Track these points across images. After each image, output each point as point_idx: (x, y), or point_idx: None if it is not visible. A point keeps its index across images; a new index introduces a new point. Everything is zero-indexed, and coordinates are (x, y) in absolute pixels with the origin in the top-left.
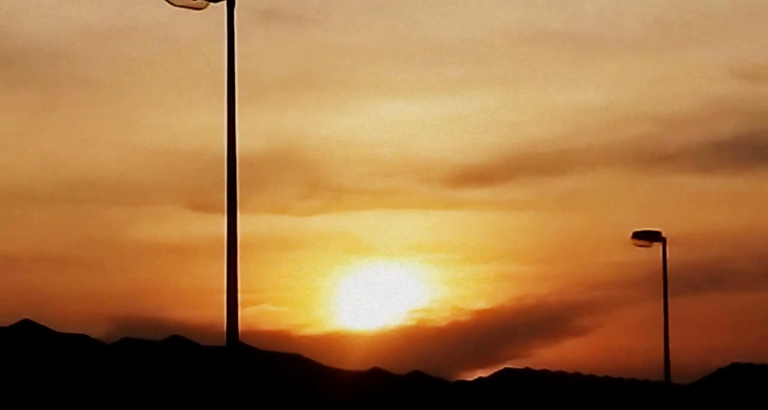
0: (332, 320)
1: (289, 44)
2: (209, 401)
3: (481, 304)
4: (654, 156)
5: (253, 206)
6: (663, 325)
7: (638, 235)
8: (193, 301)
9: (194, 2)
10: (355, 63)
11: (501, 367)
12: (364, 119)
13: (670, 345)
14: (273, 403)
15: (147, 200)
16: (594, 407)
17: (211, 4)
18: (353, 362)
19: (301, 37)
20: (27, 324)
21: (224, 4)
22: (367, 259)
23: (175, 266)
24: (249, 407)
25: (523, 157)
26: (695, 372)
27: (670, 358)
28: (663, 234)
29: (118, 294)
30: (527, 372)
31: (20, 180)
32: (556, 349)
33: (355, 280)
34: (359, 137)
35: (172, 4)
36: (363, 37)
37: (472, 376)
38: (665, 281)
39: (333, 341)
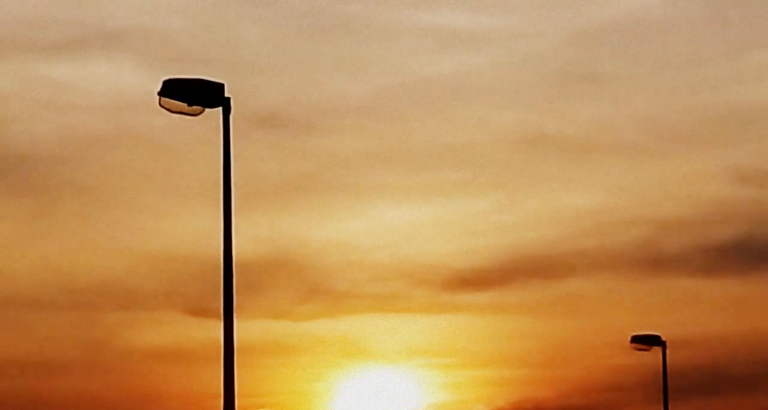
0: None
1: (285, 149)
2: None
3: (479, 409)
4: (652, 259)
5: (250, 311)
6: None
7: (637, 339)
8: (190, 406)
9: (190, 108)
10: (351, 168)
11: None
12: (361, 224)
13: None
14: None
15: (143, 305)
16: None
17: (207, 110)
18: None
19: (297, 142)
20: None
21: (220, 110)
22: (365, 364)
23: (172, 371)
24: None
25: (520, 260)
26: None
27: None
28: (662, 338)
29: (115, 399)
30: None
31: (16, 285)
32: None
33: (352, 385)
34: (356, 241)
35: (168, 110)
36: (358, 142)
37: None
38: (665, 385)
39: None
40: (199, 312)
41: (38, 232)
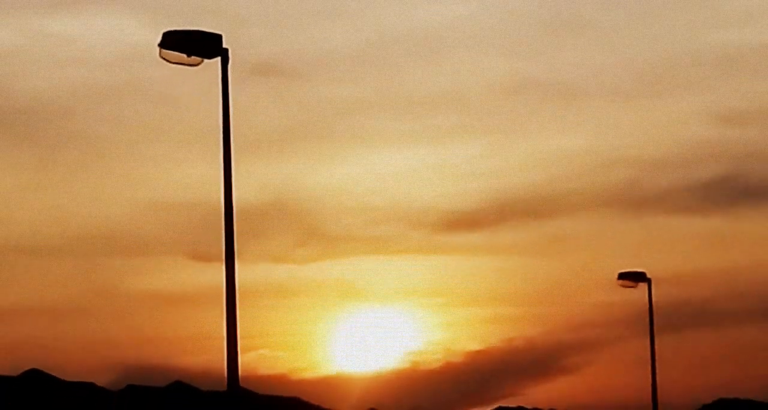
0: (329, 364)
1: (282, 97)
2: None
3: (473, 346)
4: (638, 199)
5: (250, 255)
6: (650, 363)
7: (624, 276)
8: (195, 348)
9: (189, 59)
10: (347, 115)
11: (494, 406)
12: (356, 169)
13: (658, 381)
14: None
15: (148, 251)
16: None
17: (206, 60)
18: (350, 404)
19: (294, 91)
20: (35, 374)
21: (218, 60)
22: (362, 304)
23: (176, 314)
24: None
25: (510, 202)
26: (682, 408)
27: (658, 394)
28: (648, 275)
29: (122, 342)
30: None
31: (24, 234)
32: (546, 387)
33: (350, 325)
34: (351, 186)
35: (167, 61)
36: (353, 90)
37: None
38: (651, 320)
39: (330, 384)
40: (201, 256)
41: (43, 182)
